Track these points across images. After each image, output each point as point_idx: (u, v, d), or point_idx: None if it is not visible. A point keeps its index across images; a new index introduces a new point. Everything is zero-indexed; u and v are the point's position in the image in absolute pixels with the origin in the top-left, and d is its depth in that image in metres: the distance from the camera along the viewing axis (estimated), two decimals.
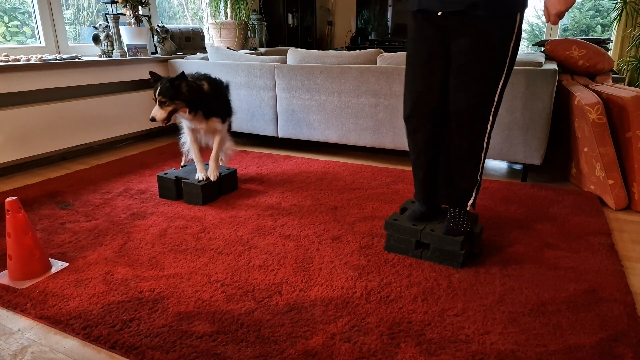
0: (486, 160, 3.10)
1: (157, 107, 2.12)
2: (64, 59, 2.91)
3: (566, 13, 1.57)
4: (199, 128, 2.36)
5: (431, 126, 1.69)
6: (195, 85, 2.21)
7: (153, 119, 2.12)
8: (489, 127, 1.61)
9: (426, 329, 1.32)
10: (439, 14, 1.54)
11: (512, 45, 1.53)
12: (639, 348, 1.23)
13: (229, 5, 4.55)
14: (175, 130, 2.62)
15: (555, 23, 1.55)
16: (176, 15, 4.46)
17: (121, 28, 3.36)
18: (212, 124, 2.36)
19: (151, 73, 2.19)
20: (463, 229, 1.65)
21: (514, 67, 2.48)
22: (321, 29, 6.19)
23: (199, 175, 2.32)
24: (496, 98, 1.58)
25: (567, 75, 3.03)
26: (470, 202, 1.71)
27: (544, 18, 1.58)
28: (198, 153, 2.41)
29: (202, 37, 4.13)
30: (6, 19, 3.02)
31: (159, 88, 2.11)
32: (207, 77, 2.34)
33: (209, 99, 2.29)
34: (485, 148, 1.65)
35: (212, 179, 2.32)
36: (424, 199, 1.81)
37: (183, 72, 2.14)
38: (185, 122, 2.37)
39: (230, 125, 2.55)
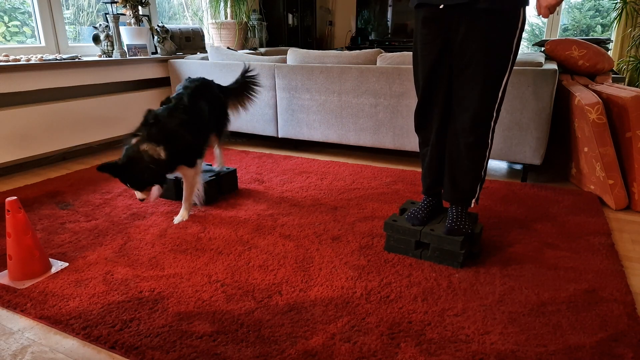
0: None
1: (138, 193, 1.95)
2: (64, 59, 2.91)
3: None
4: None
5: (440, 121, 1.69)
6: (154, 163, 1.90)
7: (142, 200, 1.96)
8: (492, 123, 1.61)
9: (426, 329, 1.32)
10: (441, 7, 1.53)
11: (515, 41, 1.51)
12: (639, 348, 1.23)
13: (229, 5, 4.55)
14: None
15: (546, 16, 1.54)
16: (176, 15, 4.46)
17: (121, 28, 3.36)
18: (179, 171, 2.10)
19: (100, 167, 1.84)
20: (465, 229, 1.65)
21: (514, 67, 2.48)
22: (321, 29, 6.19)
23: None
24: (499, 95, 1.57)
25: (567, 75, 3.03)
26: (474, 200, 1.71)
27: (535, 11, 1.57)
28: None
29: (202, 37, 4.13)
30: (6, 19, 3.02)
31: (129, 186, 1.93)
32: (174, 125, 2.00)
33: (171, 159, 1.97)
34: (490, 145, 1.64)
35: (175, 221, 2.09)
36: (427, 188, 1.81)
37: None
38: None
39: (200, 165, 2.20)
